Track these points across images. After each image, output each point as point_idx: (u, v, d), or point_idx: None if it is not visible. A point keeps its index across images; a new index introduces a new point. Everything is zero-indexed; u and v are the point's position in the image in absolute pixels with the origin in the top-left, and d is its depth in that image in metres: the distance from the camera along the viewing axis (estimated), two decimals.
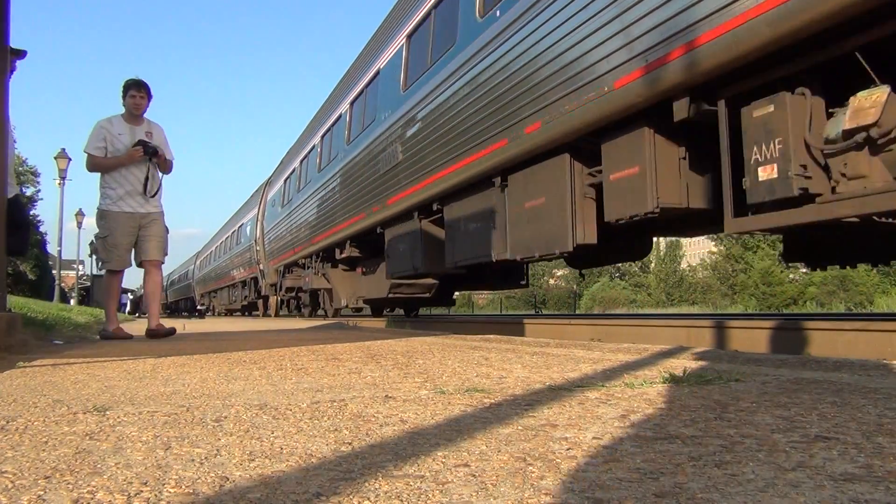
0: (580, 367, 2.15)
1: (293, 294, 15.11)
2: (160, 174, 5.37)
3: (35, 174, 40.95)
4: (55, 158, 22.04)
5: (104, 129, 5.22)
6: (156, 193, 5.31)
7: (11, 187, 4.98)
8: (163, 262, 5.40)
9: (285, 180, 15.19)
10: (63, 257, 25.35)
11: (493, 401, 1.50)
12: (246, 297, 21.58)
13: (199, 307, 31.85)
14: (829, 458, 0.93)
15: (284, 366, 2.44)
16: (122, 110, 5.34)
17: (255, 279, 19.41)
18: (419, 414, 1.35)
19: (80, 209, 31.08)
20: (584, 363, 2.29)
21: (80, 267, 39.09)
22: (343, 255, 10.55)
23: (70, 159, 22.34)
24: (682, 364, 2.14)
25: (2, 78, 3.96)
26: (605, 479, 0.86)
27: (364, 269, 10.58)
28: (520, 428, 1.19)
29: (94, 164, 5.19)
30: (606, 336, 4.80)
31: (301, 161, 13.65)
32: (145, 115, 5.40)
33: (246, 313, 25.90)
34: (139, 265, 5.34)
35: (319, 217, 11.48)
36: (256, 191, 20.09)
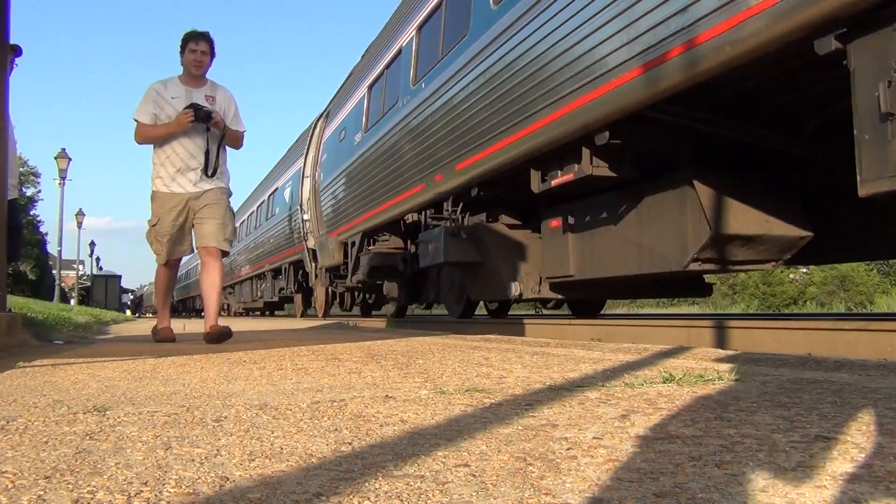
0: (580, 367, 2.15)
1: (376, 279, 9.36)
2: (221, 147, 4.36)
3: (35, 174, 40.98)
4: (55, 158, 22.06)
5: (156, 92, 4.32)
6: (215, 171, 4.32)
7: (12, 188, 4.99)
8: (225, 251, 4.36)
9: (368, 93, 8.84)
10: (63, 257, 25.37)
11: (493, 401, 1.50)
12: (281, 289, 16.05)
13: None
14: (830, 459, 0.93)
15: (284, 366, 2.44)
16: (180, 71, 4.39)
17: (298, 263, 13.85)
18: (419, 414, 1.35)
19: (81, 209, 31.16)
20: (584, 363, 2.29)
21: (80, 267, 39.12)
22: (555, 184, 4.84)
23: (70, 159, 22.36)
24: (683, 364, 2.14)
25: (1, 76, 3.96)
26: (605, 478, 0.86)
27: (574, 222, 5.34)
28: (520, 428, 1.19)
29: (141, 134, 4.30)
30: (606, 336, 4.79)
31: (398, 60, 7.70)
32: (209, 76, 4.45)
33: (267, 313, 22.12)
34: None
35: (466, 127, 5.68)
36: (302, 135, 14.06)
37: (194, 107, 4.18)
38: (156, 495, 0.82)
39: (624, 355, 2.53)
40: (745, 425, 1.17)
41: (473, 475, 0.89)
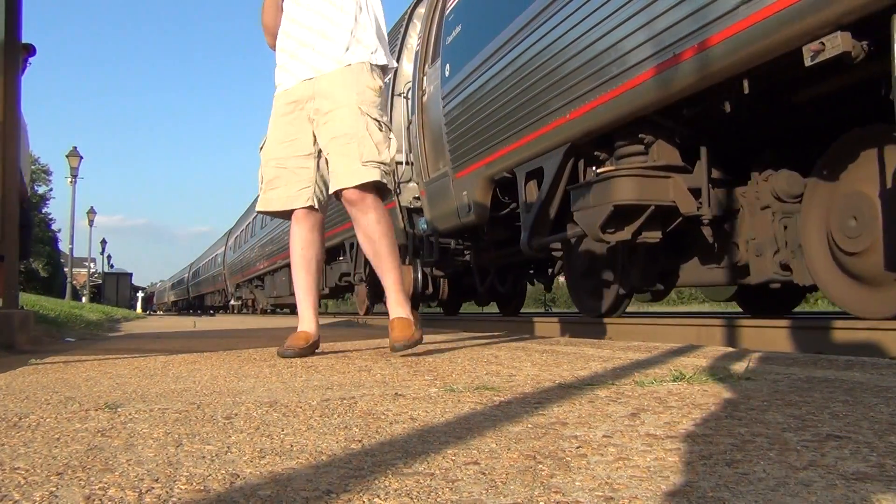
0: (590, 365, 2.15)
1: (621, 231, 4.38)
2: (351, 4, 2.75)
3: (47, 172, 41.28)
4: (67, 157, 22.20)
5: None
6: (344, 43, 2.73)
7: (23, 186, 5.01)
8: (378, 193, 2.70)
9: None
10: (74, 255, 25.52)
11: (502, 398, 1.50)
12: (345, 276, 11.28)
13: (232, 303, 24.88)
14: (841, 457, 0.93)
15: (294, 363, 2.45)
16: None
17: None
18: (429, 412, 1.35)
19: (92, 207, 31.37)
20: (593, 361, 2.28)
21: (92, 265, 39.31)
22: None
23: (81, 157, 22.50)
24: (693, 362, 2.14)
25: (14, 76, 3.98)
26: (615, 477, 0.86)
27: None
28: (529, 426, 1.18)
29: (262, 22, 2.97)
30: (616, 334, 4.79)
31: None
32: None
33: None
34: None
35: None
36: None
37: None
38: (167, 492, 0.82)
39: (634, 353, 2.52)
40: (756, 424, 1.16)
41: (483, 473, 0.89)
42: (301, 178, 2.80)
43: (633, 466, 0.90)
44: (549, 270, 7.82)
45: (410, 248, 8.13)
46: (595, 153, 4.61)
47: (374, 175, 2.63)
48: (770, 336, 3.76)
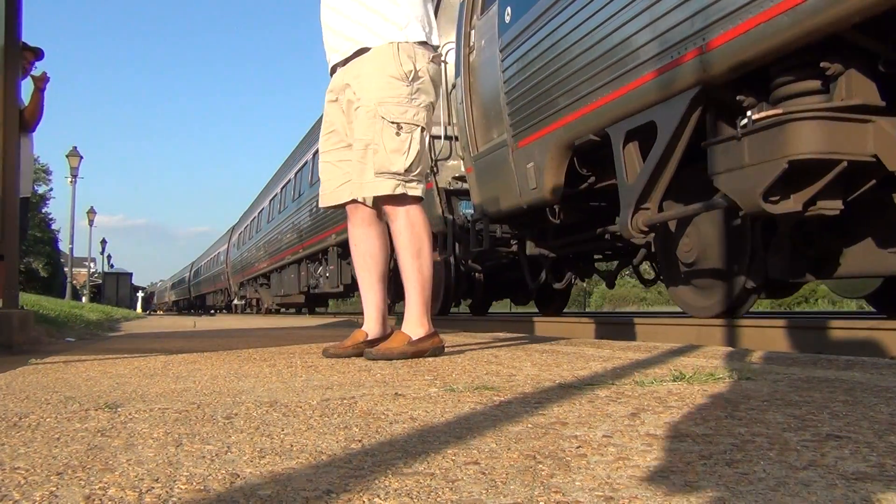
0: (590, 365, 2.15)
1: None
2: None
3: (47, 172, 41.28)
4: (67, 156, 22.20)
5: None
6: (366, 23, 2.57)
7: (25, 185, 5.00)
8: (403, 199, 2.58)
9: None
10: (74, 255, 25.53)
11: (502, 398, 1.50)
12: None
13: (235, 302, 23.96)
14: (841, 457, 0.93)
15: (294, 363, 2.45)
16: None
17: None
18: (429, 411, 1.35)
19: (92, 207, 31.39)
20: (593, 361, 2.28)
21: (92, 265, 39.32)
22: None
23: (82, 157, 22.50)
24: (693, 362, 2.14)
25: (14, 78, 3.99)
26: (615, 477, 0.86)
27: None
28: (529, 426, 1.18)
29: None
30: (616, 334, 4.79)
31: None
32: None
33: (305, 310, 17.05)
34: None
35: None
36: None
37: None
38: (167, 492, 0.82)
39: (634, 353, 2.52)
40: (756, 424, 1.16)
41: (483, 473, 0.89)
42: (343, 171, 2.70)
43: (633, 466, 0.90)
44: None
45: (451, 237, 6.96)
46: (737, 98, 3.34)
47: (385, 188, 2.53)
48: (770, 336, 3.75)
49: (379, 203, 2.64)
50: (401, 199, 2.58)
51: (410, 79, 2.55)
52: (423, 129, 2.60)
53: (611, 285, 6.46)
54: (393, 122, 2.52)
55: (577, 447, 1.02)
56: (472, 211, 6.47)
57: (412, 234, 2.59)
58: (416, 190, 2.59)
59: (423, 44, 2.62)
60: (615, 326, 5.06)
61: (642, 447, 1.01)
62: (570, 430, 1.15)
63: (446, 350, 2.75)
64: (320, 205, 2.81)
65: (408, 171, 2.55)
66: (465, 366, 2.23)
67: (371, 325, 2.72)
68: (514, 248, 6.33)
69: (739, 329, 4.00)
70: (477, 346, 3.07)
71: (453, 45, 6.38)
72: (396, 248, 2.62)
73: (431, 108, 2.66)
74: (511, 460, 0.95)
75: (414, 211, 2.61)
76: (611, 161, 4.15)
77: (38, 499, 0.80)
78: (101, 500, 0.79)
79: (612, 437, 1.09)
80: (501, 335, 4.20)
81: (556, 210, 5.24)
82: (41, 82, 5.31)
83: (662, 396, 1.47)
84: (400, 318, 2.64)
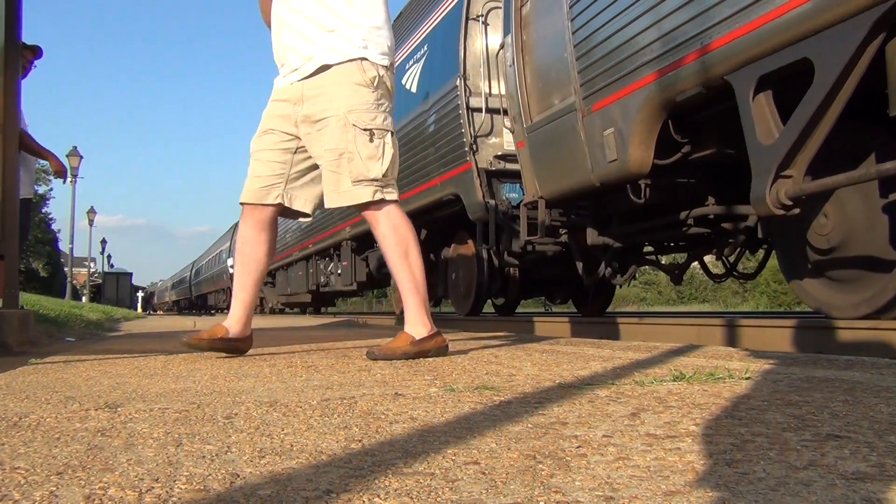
0: (590, 365, 2.15)
1: None
2: None
3: (47, 172, 41.24)
4: (67, 156, 22.18)
5: None
6: (326, 43, 2.60)
7: (26, 186, 5.01)
8: (383, 200, 2.59)
9: None
10: (74, 255, 25.54)
11: (502, 398, 1.50)
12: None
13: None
14: (841, 457, 0.93)
15: (294, 363, 2.45)
16: None
17: (432, 213, 7.13)
18: (429, 411, 1.35)
19: (92, 207, 31.40)
20: (593, 361, 2.28)
21: (92, 264, 39.32)
22: None
23: (82, 157, 22.50)
24: (693, 362, 2.14)
25: (14, 77, 3.98)
26: (615, 476, 0.86)
27: None
28: (529, 426, 1.18)
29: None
30: (616, 334, 4.79)
31: None
32: None
33: (310, 310, 16.58)
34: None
35: None
36: None
37: None
38: (167, 491, 0.82)
39: (634, 353, 2.52)
40: (755, 424, 1.16)
41: (483, 473, 0.89)
42: (274, 172, 2.73)
43: (633, 466, 0.90)
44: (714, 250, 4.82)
45: (492, 225, 5.93)
46: None
47: (364, 196, 2.56)
48: (770, 336, 3.75)
49: (357, 211, 2.65)
50: (379, 204, 2.60)
51: (375, 84, 2.60)
52: (392, 133, 2.63)
53: (678, 280, 5.28)
54: (365, 130, 2.54)
55: (577, 447, 1.02)
56: (516, 195, 5.76)
57: (396, 236, 2.60)
58: (392, 194, 2.62)
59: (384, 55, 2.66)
60: (615, 326, 5.06)
61: (642, 447, 1.01)
62: (570, 429, 1.15)
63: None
64: (240, 200, 2.79)
65: (384, 176, 2.58)
66: (465, 365, 2.23)
67: (234, 322, 2.76)
68: (564, 237, 5.39)
69: (739, 329, 4.01)
70: (477, 346, 3.07)
71: (493, 5, 5.80)
72: (384, 253, 2.64)
73: (391, 113, 2.69)
74: (511, 460, 0.95)
75: (394, 212, 2.62)
76: (712, 124, 3.51)
77: (38, 498, 0.80)
78: (101, 499, 0.79)
79: (612, 436, 1.09)
80: (501, 335, 4.20)
81: (643, 187, 4.17)
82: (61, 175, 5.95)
83: (662, 396, 1.47)
84: (400, 318, 2.66)
